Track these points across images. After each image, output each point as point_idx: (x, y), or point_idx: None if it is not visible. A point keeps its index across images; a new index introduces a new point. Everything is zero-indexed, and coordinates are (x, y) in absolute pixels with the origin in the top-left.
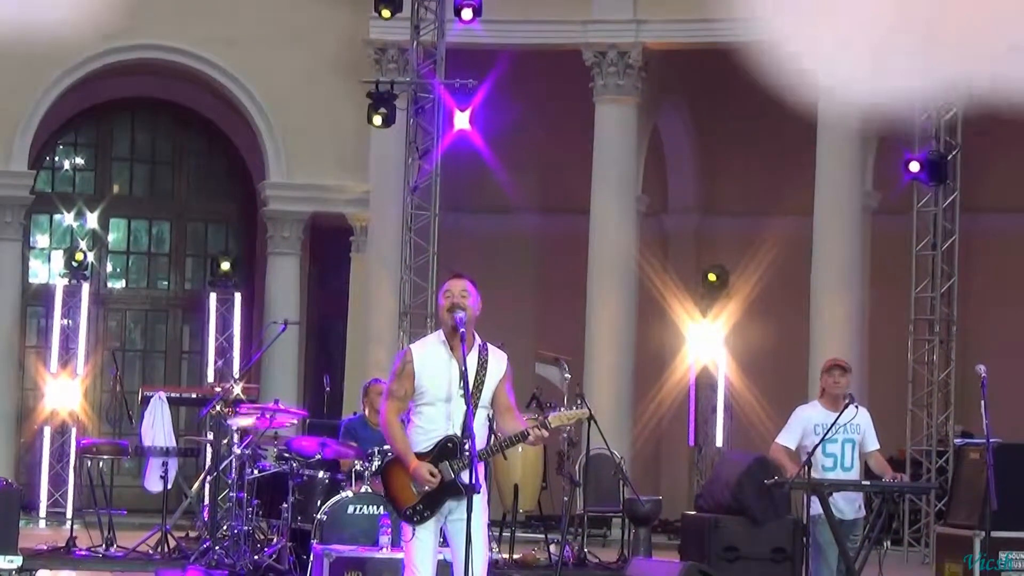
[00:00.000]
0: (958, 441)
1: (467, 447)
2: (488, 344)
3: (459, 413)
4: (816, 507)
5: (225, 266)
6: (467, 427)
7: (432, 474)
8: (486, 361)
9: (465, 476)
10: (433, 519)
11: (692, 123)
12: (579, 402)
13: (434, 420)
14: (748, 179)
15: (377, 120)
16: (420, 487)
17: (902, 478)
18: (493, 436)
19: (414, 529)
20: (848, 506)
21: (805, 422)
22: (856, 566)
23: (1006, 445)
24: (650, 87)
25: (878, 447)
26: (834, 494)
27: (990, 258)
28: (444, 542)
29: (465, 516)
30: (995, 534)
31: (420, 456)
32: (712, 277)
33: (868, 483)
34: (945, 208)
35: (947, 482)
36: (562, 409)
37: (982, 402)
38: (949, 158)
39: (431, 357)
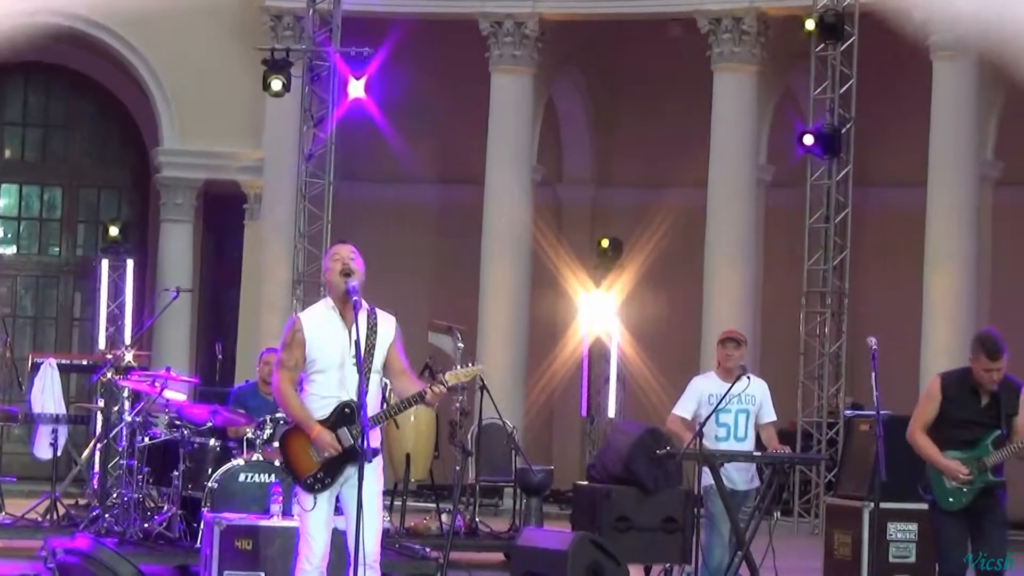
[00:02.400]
0: (848, 413)
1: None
2: (376, 308)
3: (352, 379)
4: (708, 478)
5: (114, 231)
6: (359, 394)
7: (334, 440)
8: (375, 325)
9: (369, 440)
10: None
11: (587, 94)
12: (470, 364)
13: (328, 387)
14: (643, 151)
15: (276, 86)
16: (321, 454)
17: (785, 450)
18: (388, 399)
19: (315, 498)
20: (740, 476)
21: (700, 392)
22: (747, 536)
23: (895, 417)
24: (546, 58)
25: (774, 419)
26: (726, 465)
27: (882, 232)
28: (338, 510)
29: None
30: (883, 505)
31: (319, 423)
32: (604, 243)
33: (759, 454)
34: (838, 181)
35: (837, 453)
36: (457, 367)
37: (872, 374)
38: (843, 131)
39: (321, 324)
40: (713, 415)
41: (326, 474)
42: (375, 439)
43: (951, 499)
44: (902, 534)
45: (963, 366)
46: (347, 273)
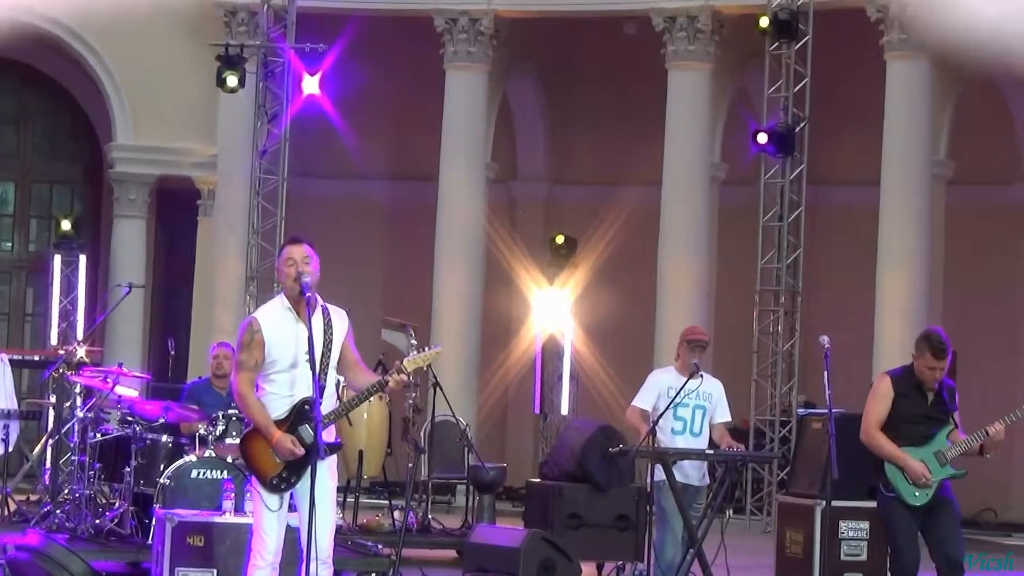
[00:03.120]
0: (801, 411)
1: (321, 408)
2: (327, 304)
3: (306, 378)
4: (660, 473)
5: (65, 225)
6: (313, 392)
7: (294, 444)
8: (330, 322)
9: (324, 436)
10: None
11: (542, 91)
12: (427, 348)
13: (285, 386)
14: (597, 148)
15: (231, 82)
16: (285, 459)
17: (738, 448)
18: (341, 395)
19: (281, 498)
20: (695, 472)
21: (659, 385)
22: (699, 534)
23: (848, 415)
24: (501, 55)
25: (728, 419)
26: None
27: (835, 230)
28: (292, 507)
29: (317, 478)
30: (835, 503)
31: (277, 423)
32: (559, 238)
33: (711, 452)
34: (792, 180)
35: (789, 452)
36: (414, 353)
37: (825, 373)
38: (797, 130)
39: (278, 324)
40: (671, 409)
41: (290, 473)
42: (331, 434)
43: (916, 494)
44: (854, 532)
45: (905, 364)
46: (300, 277)
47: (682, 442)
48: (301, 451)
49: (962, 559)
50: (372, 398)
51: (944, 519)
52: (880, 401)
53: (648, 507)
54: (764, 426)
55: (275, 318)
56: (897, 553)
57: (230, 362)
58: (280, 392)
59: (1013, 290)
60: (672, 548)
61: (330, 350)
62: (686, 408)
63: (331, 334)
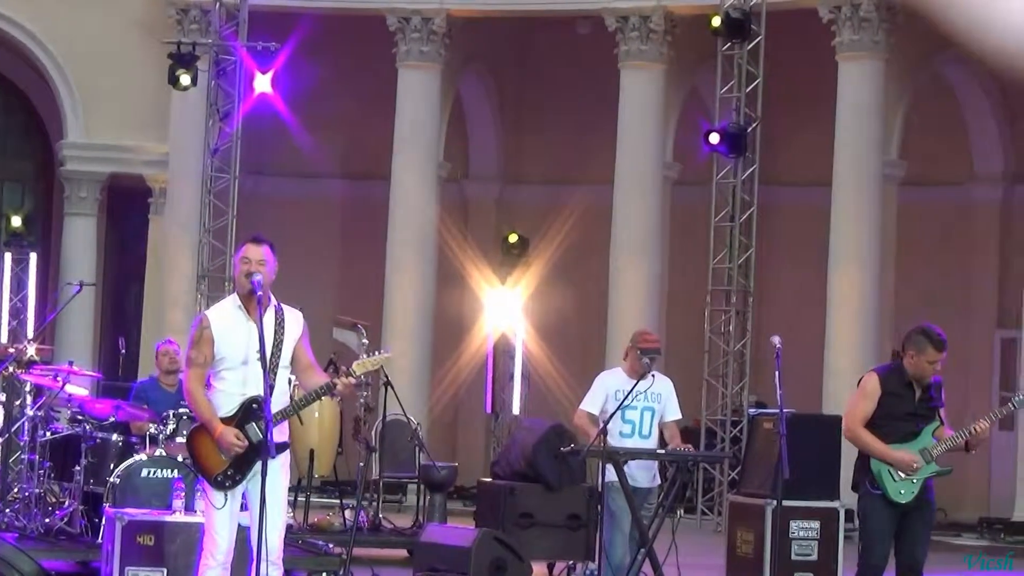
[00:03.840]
0: (752, 411)
1: (271, 407)
2: (282, 304)
3: (257, 376)
4: (611, 474)
5: (16, 223)
6: (264, 390)
7: (238, 438)
8: (283, 321)
9: (272, 436)
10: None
11: (494, 91)
12: (377, 352)
13: (235, 384)
14: (549, 148)
15: (184, 81)
16: (228, 453)
17: (688, 447)
18: (293, 395)
19: (226, 495)
20: (643, 474)
21: (607, 388)
22: (650, 534)
23: (799, 415)
24: (453, 54)
25: (678, 417)
26: (630, 462)
27: (786, 230)
28: (243, 506)
29: (268, 478)
30: (786, 503)
31: (225, 420)
32: (511, 237)
33: (662, 451)
34: (744, 180)
35: (740, 451)
36: (364, 356)
37: (776, 373)
38: (749, 130)
39: (228, 322)
40: (619, 412)
41: (236, 471)
42: (283, 434)
43: (902, 491)
44: (804, 532)
45: (888, 362)
46: (250, 275)
47: (631, 445)
48: (244, 444)
49: (923, 564)
50: (323, 397)
51: (921, 522)
52: (867, 399)
53: (599, 507)
54: (715, 426)
55: (226, 316)
56: (867, 551)
57: (182, 356)
58: (231, 390)
59: (965, 291)
60: (621, 548)
61: (280, 350)
62: (634, 411)
63: (282, 334)
